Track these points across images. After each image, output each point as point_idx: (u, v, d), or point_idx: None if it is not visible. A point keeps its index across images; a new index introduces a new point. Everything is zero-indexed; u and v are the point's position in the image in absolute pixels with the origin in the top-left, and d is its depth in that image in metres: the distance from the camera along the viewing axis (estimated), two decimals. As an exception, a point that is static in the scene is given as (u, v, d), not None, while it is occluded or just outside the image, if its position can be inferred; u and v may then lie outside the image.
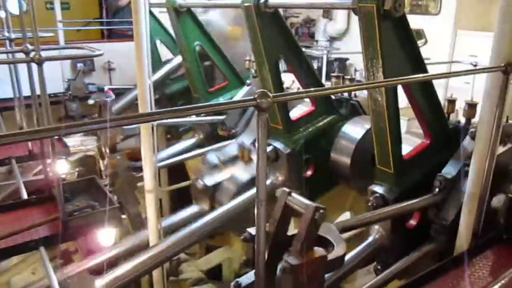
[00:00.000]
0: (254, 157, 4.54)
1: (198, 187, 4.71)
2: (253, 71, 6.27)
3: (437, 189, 3.23)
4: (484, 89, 2.76)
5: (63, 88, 7.88)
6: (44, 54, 3.02)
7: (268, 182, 4.11)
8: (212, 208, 4.58)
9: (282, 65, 4.83)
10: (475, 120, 3.62)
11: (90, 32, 11.27)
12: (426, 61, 3.35)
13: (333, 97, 4.53)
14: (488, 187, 2.89)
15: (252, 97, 1.78)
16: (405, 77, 3.02)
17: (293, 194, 2.11)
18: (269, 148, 4.15)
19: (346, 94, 4.64)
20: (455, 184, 3.23)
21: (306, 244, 2.02)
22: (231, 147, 4.96)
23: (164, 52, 6.72)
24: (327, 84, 5.66)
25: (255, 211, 1.93)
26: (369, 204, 3.33)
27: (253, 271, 2.13)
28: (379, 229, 3.36)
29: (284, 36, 4.05)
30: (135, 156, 4.71)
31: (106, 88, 6.43)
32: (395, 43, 3.08)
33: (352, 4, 3.01)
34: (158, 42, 6.47)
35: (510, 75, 2.63)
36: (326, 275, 2.72)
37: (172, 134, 6.35)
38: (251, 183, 4.35)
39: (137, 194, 5.05)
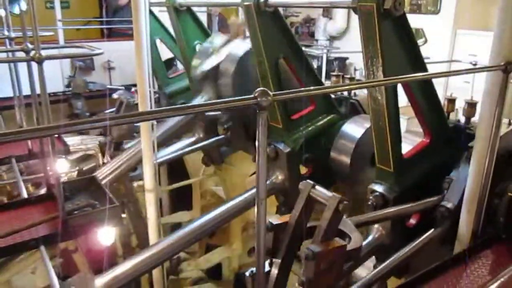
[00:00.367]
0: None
1: (200, 76, 4.77)
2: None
3: (445, 191, 3.23)
4: (484, 88, 2.77)
5: (63, 86, 7.87)
6: (44, 53, 3.02)
7: (267, 181, 4.11)
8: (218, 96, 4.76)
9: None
10: (474, 119, 3.63)
11: (90, 31, 11.28)
12: (425, 60, 3.35)
13: (333, 96, 4.53)
14: (487, 186, 2.89)
15: (252, 96, 1.78)
16: (405, 76, 3.02)
17: (317, 187, 2.22)
18: (268, 147, 4.15)
19: (346, 93, 4.64)
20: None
21: (328, 234, 2.13)
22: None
23: (164, 51, 6.72)
24: (327, 83, 5.66)
25: (255, 210, 1.94)
26: (369, 203, 3.33)
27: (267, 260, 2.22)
28: (378, 228, 3.36)
29: (284, 35, 4.06)
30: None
31: (133, 89, 6.43)
32: (395, 42, 3.08)
33: (352, 3, 3.01)
34: (158, 41, 6.46)
35: (509, 74, 2.63)
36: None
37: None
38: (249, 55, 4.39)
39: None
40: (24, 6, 3.98)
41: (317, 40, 11.57)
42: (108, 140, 5.10)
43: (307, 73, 4.16)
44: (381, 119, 3.16)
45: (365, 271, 3.53)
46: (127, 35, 8.69)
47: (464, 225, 2.99)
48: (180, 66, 6.84)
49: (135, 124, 4.72)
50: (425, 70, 3.29)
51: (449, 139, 3.59)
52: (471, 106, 3.66)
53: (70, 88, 7.65)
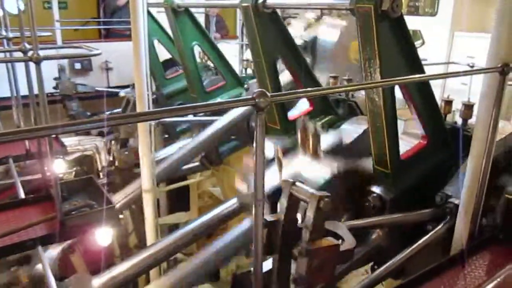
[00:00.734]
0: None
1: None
2: (250, 71, 6.28)
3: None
4: (481, 90, 2.78)
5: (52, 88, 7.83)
6: (42, 53, 3.02)
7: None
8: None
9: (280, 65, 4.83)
10: (471, 121, 3.64)
11: (87, 31, 11.26)
12: (423, 62, 3.36)
13: (330, 97, 4.54)
14: (484, 187, 2.90)
15: (250, 97, 1.79)
16: (402, 78, 3.03)
17: (297, 184, 2.17)
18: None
19: (343, 95, 4.65)
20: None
21: (315, 232, 2.11)
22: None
23: (162, 52, 6.72)
24: (325, 85, 5.66)
25: (253, 211, 1.94)
26: (367, 204, 3.34)
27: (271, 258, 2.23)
28: (376, 230, 3.36)
29: (282, 36, 4.07)
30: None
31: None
32: (393, 43, 3.09)
33: (350, 4, 3.02)
34: (155, 42, 6.47)
35: (506, 76, 2.64)
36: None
37: (170, 134, 6.35)
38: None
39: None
40: (22, 6, 3.97)
41: (315, 42, 11.56)
42: (114, 137, 5.08)
43: (305, 75, 4.17)
44: (379, 121, 3.17)
45: (362, 271, 3.55)
46: (125, 35, 8.69)
47: (461, 226, 2.99)
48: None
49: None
50: (423, 71, 3.30)
51: (446, 141, 3.60)
52: (468, 108, 3.67)
53: (58, 91, 7.57)
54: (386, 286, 3.28)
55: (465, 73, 3.52)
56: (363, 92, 4.12)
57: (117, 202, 4.09)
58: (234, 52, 8.82)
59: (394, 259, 3.09)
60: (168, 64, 7.13)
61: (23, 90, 4.02)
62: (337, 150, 3.47)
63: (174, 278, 3.14)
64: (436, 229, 3.20)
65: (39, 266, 3.24)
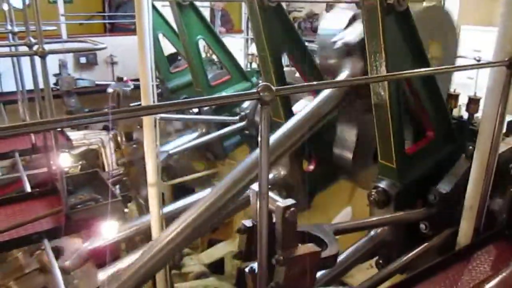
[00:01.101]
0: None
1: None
2: (255, 65, 6.26)
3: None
4: (487, 84, 2.76)
5: (53, 83, 7.85)
6: (47, 47, 3.03)
7: (270, 176, 4.12)
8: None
9: (285, 60, 4.82)
10: (477, 115, 3.62)
11: (92, 26, 11.28)
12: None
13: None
14: (490, 182, 2.89)
15: (254, 90, 1.79)
16: (408, 71, 3.01)
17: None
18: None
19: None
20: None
21: (288, 240, 2.06)
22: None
23: (167, 46, 6.72)
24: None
25: (257, 204, 1.94)
26: (372, 198, 3.33)
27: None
28: (380, 224, 3.36)
29: (287, 31, 4.05)
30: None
31: (125, 78, 6.36)
32: (398, 37, 3.07)
33: (356, -2, 3.00)
34: (160, 36, 6.46)
35: (513, 70, 2.62)
36: (328, 270, 2.75)
37: (175, 128, 6.35)
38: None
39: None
40: (27, 1, 3.98)
41: (320, 35, 11.52)
42: (118, 132, 5.08)
43: (309, 68, 4.15)
44: (384, 115, 3.16)
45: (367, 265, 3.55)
46: (130, 30, 8.69)
47: (466, 221, 2.98)
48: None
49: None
50: (428, 65, 3.28)
51: (452, 135, 3.58)
52: (474, 102, 3.65)
53: (58, 86, 7.56)
54: (392, 280, 3.27)
55: (471, 67, 3.49)
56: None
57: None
58: (239, 46, 8.81)
59: (401, 259, 3.09)
60: (173, 58, 7.13)
61: (29, 84, 4.03)
62: None
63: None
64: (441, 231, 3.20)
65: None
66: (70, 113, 7.59)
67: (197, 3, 5.65)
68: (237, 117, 5.28)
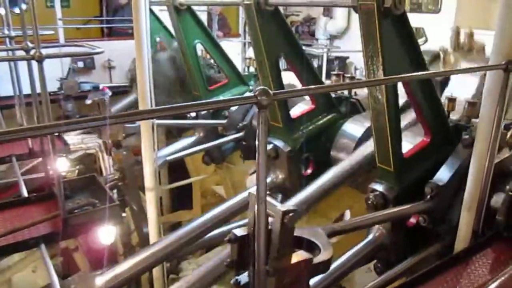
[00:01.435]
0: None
1: None
2: (252, 69, 6.27)
3: (428, 196, 3.22)
4: (485, 87, 2.76)
5: (56, 88, 7.83)
6: (44, 52, 3.02)
7: (268, 180, 4.12)
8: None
9: (282, 64, 4.83)
10: (475, 119, 3.62)
11: (90, 30, 11.27)
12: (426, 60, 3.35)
13: (333, 95, 4.53)
14: (488, 185, 2.89)
15: (252, 95, 1.78)
16: (405, 75, 3.02)
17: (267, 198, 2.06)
18: (269, 146, 4.15)
19: (346, 92, 4.63)
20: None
21: (283, 247, 2.00)
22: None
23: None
24: (327, 83, 5.66)
25: (255, 209, 1.93)
26: (369, 202, 3.33)
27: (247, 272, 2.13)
28: (379, 227, 3.36)
29: (285, 34, 4.05)
30: (140, 152, 4.68)
31: (101, 86, 6.38)
32: (396, 41, 3.08)
33: (353, 1, 3.00)
34: (158, 40, 6.46)
35: (510, 73, 2.63)
36: (326, 273, 2.73)
37: (172, 132, 6.35)
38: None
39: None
40: (24, 5, 3.98)
41: (317, 39, 11.57)
42: (106, 141, 5.08)
43: (307, 72, 4.16)
44: (382, 118, 3.16)
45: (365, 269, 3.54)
46: (127, 34, 8.68)
47: (464, 224, 2.98)
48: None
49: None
50: (426, 69, 3.29)
51: (449, 139, 3.58)
52: (471, 105, 3.65)
53: (62, 91, 7.56)
54: (391, 283, 3.27)
55: (468, 70, 3.49)
56: (366, 89, 4.11)
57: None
58: (236, 50, 8.81)
59: (401, 264, 3.09)
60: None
61: (26, 89, 4.02)
62: None
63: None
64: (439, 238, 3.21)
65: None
66: (67, 117, 7.56)
67: (195, 8, 5.65)
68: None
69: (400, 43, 3.11)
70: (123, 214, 4.68)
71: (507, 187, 3.05)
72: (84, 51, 3.85)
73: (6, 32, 4.51)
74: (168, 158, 5.09)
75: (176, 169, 6.62)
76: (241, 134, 5.34)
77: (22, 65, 3.79)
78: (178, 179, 6.69)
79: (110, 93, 6.13)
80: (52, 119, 3.36)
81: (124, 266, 3.10)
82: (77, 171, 5.50)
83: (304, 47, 4.41)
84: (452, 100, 3.77)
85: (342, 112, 4.46)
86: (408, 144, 3.46)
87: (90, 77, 8.87)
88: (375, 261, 3.47)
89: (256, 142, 1.83)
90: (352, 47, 9.12)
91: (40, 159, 4.25)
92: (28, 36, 3.52)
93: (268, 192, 2.01)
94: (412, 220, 3.41)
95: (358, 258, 3.22)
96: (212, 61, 6.21)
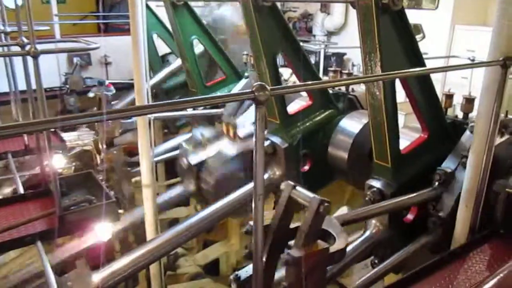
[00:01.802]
0: (240, 133, 4.43)
1: (183, 166, 4.49)
2: (250, 65, 6.25)
3: (436, 183, 3.23)
4: (483, 83, 2.76)
5: (60, 82, 7.82)
6: (39, 47, 2.99)
7: (265, 176, 4.11)
8: (199, 188, 4.45)
9: (280, 60, 4.81)
10: (472, 114, 3.62)
11: (86, 26, 11.21)
12: (424, 56, 3.34)
13: (330, 91, 4.52)
14: (485, 181, 2.89)
15: (249, 90, 1.77)
16: (402, 71, 3.01)
17: (298, 188, 2.13)
18: (266, 143, 4.14)
19: (343, 89, 4.63)
20: (453, 177, 3.23)
21: (310, 237, 2.04)
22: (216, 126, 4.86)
23: (161, 46, 6.69)
24: (325, 79, 5.65)
25: (253, 205, 1.93)
26: (367, 198, 3.33)
27: (251, 264, 2.14)
28: (376, 224, 3.36)
29: (282, 31, 4.04)
30: (132, 150, 4.65)
31: (107, 82, 6.36)
32: (393, 37, 3.07)
33: (350, -3, 2.99)
34: (155, 36, 6.44)
35: (508, 69, 2.62)
36: (324, 269, 2.73)
37: (170, 129, 6.34)
38: (237, 159, 4.29)
39: (132, 189, 5.02)
40: (19, 1, 3.94)
41: (314, 36, 11.54)
42: (100, 138, 5.08)
43: (304, 68, 4.14)
44: (379, 115, 3.16)
45: (362, 265, 3.55)
46: (124, 30, 8.64)
47: (461, 220, 2.99)
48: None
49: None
50: (423, 65, 3.28)
51: (447, 135, 3.58)
52: (469, 101, 3.65)
53: (67, 86, 7.57)
54: (387, 281, 3.27)
55: (466, 66, 3.49)
56: (363, 86, 4.10)
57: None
58: (233, 46, 8.77)
59: (395, 256, 3.09)
60: (167, 58, 7.10)
61: (22, 85, 3.99)
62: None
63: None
64: (436, 228, 3.20)
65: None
66: (70, 112, 7.55)
67: (191, 3, 5.63)
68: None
69: (398, 39, 3.10)
70: (120, 211, 4.67)
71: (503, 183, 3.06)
72: (80, 46, 3.82)
73: (2, 27, 4.47)
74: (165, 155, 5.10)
75: (173, 165, 6.61)
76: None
77: (18, 61, 3.76)
78: (175, 175, 6.68)
79: (114, 90, 6.10)
80: (54, 114, 3.34)
81: (121, 263, 3.09)
82: (73, 167, 5.48)
83: (301, 43, 4.39)
84: (449, 96, 3.77)
85: (339, 108, 4.45)
86: (405, 140, 3.46)
87: (86, 73, 8.83)
88: (372, 257, 3.48)
89: (253, 139, 1.82)
90: (350, 43, 9.10)
91: (36, 155, 4.22)
92: (24, 31, 3.49)
93: (293, 183, 2.08)
94: (409, 216, 3.42)
95: (355, 255, 3.22)
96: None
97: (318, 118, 4.33)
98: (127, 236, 5.15)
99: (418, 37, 8.02)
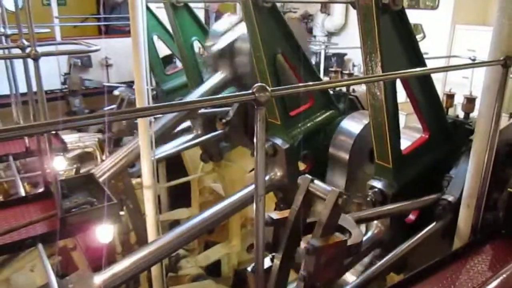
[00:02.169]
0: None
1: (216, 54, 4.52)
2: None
3: (445, 189, 3.23)
4: (484, 83, 2.75)
5: (60, 83, 7.84)
6: (40, 49, 3.00)
7: (266, 177, 4.10)
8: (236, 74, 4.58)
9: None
10: (473, 114, 3.62)
11: (87, 28, 11.24)
12: (424, 56, 3.34)
13: (331, 92, 4.52)
14: (487, 181, 2.88)
15: (250, 91, 1.77)
16: (403, 71, 3.01)
17: (316, 181, 2.19)
18: (267, 144, 4.14)
19: (344, 89, 4.62)
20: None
21: (328, 228, 2.11)
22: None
23: (162, 48, 6.70)
24: (325, 80, 5.64)
25: (254, 206, 1.93)
26: (368, 199, 3.32)
27: (269, 256, 2.24)
28: (378, 224, 3.35)
29: (282, 31, 4.04)
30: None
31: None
32: (394, 37, 3.07)
33: (351, -2, 2.99)
34: (155, 37, 6.44)
35: (509, 68, 2.62)
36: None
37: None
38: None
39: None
40: (20, 3, 3.95)
41: (315, 36, 11.55)
42: (108, 137, 5.08)
43: (305, 69, 4.14)
44: (380, 115, 3.15)
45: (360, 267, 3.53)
46: (124, 32, 8.66)
47: (463, 220, 2.98)
48: (178, 63, 6.82)
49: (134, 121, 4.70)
50: (424, 65, 3.28)
51: (448, 135, 3.58)
52: (470, 101, 3.64)
53: (66, 86, 7.59)
54: (389, 281, 3.26)
55: (467, 66, 3.48)
56: (364, 86, 4.09)
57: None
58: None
59: (394, 252, 3.08)
60: (168, 60, 7.10)
61: (22, 88, 4.00)
62: None
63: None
64: (437, 224, 3.20)
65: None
66: (73, 113, 7.58)
67: (191, 5, 5.63)
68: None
69: (398, 39, 3.10)
70: (121, 213, 4.67)
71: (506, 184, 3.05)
72: (80, 48, 3.82)
73: (2, 30, 4.48)
74: (166, 152, 5.09)
75: (174, 167, 6.62)
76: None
77: (19, 63, 3.76)
78: (176, 177, 6.68)
79: None
80: (54, 116, 3.34)
81: (123, 265, 3.09)
82: (74, 169, 5.48)
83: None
84: (450, 96, 3.77)
85: (340, 109, 4.45)
86: (406, 141, 3.45)
87: (87, 75, 8.86)
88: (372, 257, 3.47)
89: (254, 140, 1.82)
90: (350, 43, 9.11)
91: (37, 157, 4.22)
92: (24, 34, 3.50)
93: (311, 177, 2.12)
94: (411, 217, 3.41)
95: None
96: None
97: (319, 118, 4.32)
98: (128, 237, 5.15)
99: (418, 37, 8.03)
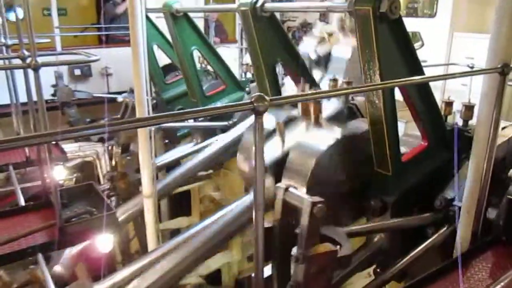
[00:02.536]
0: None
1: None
2: (249, 75, 6.27)
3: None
4: (481, 91, 2.77)
5: (48, 94, 7.79)
6: (40, 60, 3.01)
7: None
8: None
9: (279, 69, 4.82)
10: (472, 122, 3.63)
11: (87, 38, 11.28)
12: (422, 64, 3.35)
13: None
14: (486, 188, 2.89)
15: (248, 101, 1.78)
16: (402, 79, 3.02)
17: (290, 189, 2.15)
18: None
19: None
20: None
21: (311, 237, 2.09)
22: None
23: (162, 57, 6.72)
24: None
25: (253, 215, 1.92)
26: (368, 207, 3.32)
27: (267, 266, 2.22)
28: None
29: (281, 40, 4.06)
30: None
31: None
32: (392, 45, 3.08)
33: (348, 7, 3.01)
34: (155, 47, 6.47)
35: (506, 76, 2.63)
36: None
37: (170, 139, 6.34)
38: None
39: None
40: (20, 14, 3.97)
41: (314, 45, 11.59)
42: (112, 144, 5.08)
43: (303, 78, 4.16)
44: (379, 123, 3.16)
45: (364, 274, 3.53)
46: (124, 41, 8.69)
47: (463, 228, 2.98)
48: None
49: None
50: (422, 73, 3.30)
51: (447, 142, 3.58)
52: (468, 109, 3.65)
53: (56, 98, 7.53)
54: (390, 288, 3.26)
55: (465, 74, 3.50)
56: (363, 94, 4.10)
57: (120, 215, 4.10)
58: (233, 56, 8.82)
59: (398, 263, 3.07)
60: (168, 69, 7.13)
61: (23, 97, 4.01)
62: (339, 116, 3.49)
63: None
64: (439, 232, 3.19)
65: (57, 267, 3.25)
66: (70, 123, 7.55)
67: (191, 14, 5.66)
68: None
69: (396, 47, 3.12)
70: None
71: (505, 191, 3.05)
72: (80, 59, 3.84)
73: (3, 40, 4.50)
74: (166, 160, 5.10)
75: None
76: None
77: (19, 73, 3.78)
78: (176, 185, 6.66)
79: None
80: (54, 126, 3.35)
81: (123, 274, 3.08)
82: (74, 179, 5.48)
83: (300, 52, 4.41)
84: (449, 104, 3.78)
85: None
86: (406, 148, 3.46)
87: (87, 84, 8.88)
88: (374, 266, 3.46)
89: (253, 148, 1.82)
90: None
91: (37, 167, 4.23)
92: (24, 44, 3.52)
93: (287, 186, 2.08)
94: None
95: (357, 263, 3.21)
96: (209, 67, 6.22)
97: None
98: (129, 246, 5.14)
99: (417, 45, 8.06)
